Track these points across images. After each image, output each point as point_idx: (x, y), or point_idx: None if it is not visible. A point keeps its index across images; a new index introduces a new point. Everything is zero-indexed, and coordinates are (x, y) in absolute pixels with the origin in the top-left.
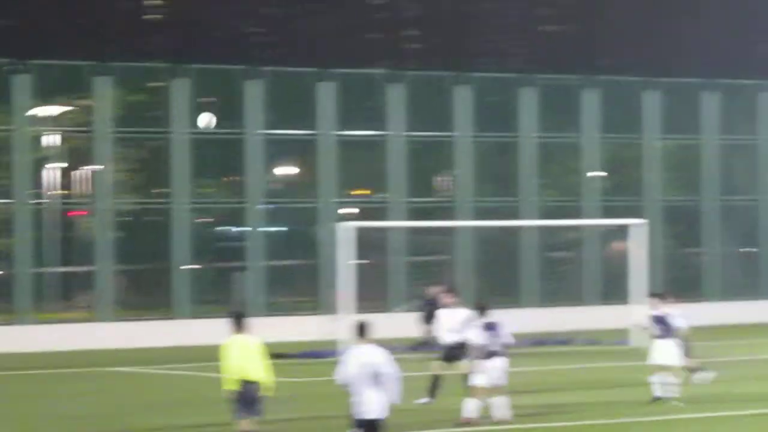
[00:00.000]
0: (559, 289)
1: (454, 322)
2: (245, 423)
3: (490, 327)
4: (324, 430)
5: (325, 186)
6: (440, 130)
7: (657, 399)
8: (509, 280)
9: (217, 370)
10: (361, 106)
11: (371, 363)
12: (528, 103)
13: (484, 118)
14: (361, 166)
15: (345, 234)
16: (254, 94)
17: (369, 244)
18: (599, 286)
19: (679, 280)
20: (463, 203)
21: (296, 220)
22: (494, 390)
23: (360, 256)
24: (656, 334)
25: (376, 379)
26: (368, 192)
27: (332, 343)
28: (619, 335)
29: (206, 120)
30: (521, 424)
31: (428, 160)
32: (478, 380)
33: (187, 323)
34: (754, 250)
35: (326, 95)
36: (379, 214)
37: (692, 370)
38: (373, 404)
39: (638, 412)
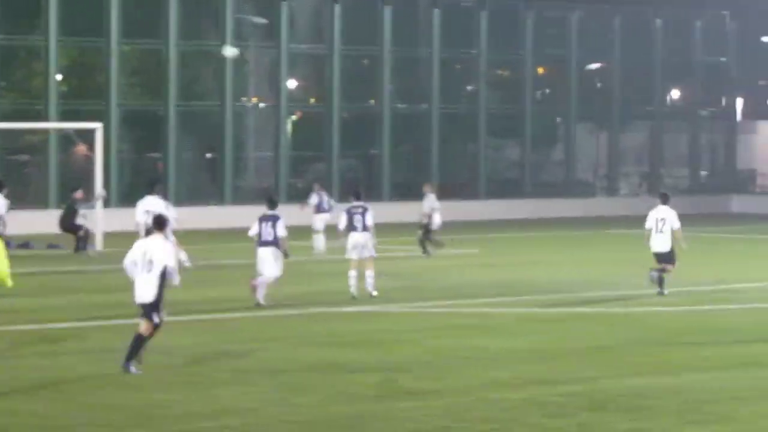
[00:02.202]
0: (25, 192)
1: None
2: None
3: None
4: None
5: None
6: None
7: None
8: None
9: None
10: None
11: (151, 252)
12: None
13: None
14: None
15: None
16: None
17: None
18: (59, 189)
19: (139, 185)
20: None
21: None
22: None
23: None
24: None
25: (150, 266)
26: None
27: None
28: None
29: (232, 52)
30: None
31: None
32: None
33: None
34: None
35: None
36: None
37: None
38: (143, 290)
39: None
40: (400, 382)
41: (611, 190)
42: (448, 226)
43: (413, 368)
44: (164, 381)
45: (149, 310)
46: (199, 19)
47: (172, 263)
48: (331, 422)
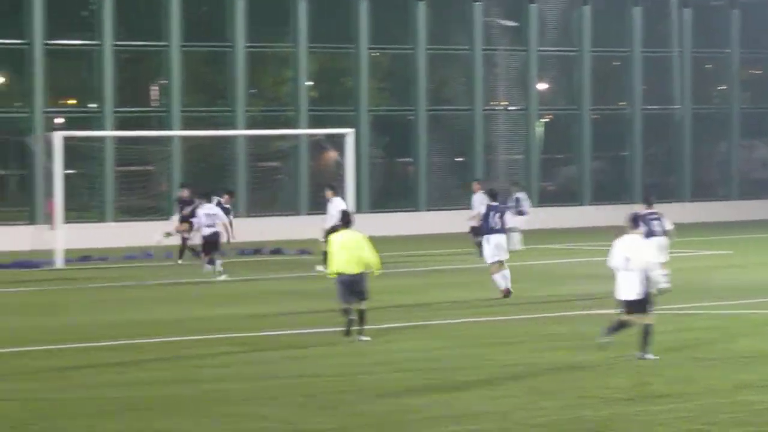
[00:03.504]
0: (275, 199)
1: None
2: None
3: None
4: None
5: (36, 95)
6: (151, 40)
7: None
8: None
9: None
10: (71, 15)
11: (632, 251)
12: (238, 12)
13: (194, 28)
14: (72, 75)
15: (56, 144)
16: None
17: (80, 154)
18: (310, 195)
19: (390, 190)
20: (174, 113)
21: (7, 129)
22: None
23: (71, 166)
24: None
25: (627, 264)
26: (78, 101)
27: (46, 252)
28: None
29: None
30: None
31: (138, 70)
32: None
33: None
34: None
35: (36, 4)
36: (89, 123)
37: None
38: (627, 288)
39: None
40: (652, 386)
41: None
42: (700, 227)
43: (664, 371)
44: (408, 386)
45: (637, 307)
46: (447, 23)
47: (653, 262)
48: (580, 426)
